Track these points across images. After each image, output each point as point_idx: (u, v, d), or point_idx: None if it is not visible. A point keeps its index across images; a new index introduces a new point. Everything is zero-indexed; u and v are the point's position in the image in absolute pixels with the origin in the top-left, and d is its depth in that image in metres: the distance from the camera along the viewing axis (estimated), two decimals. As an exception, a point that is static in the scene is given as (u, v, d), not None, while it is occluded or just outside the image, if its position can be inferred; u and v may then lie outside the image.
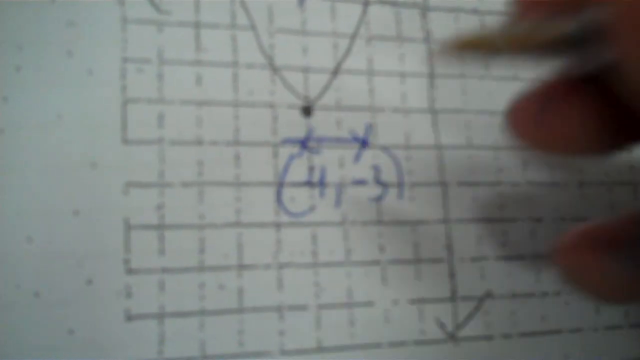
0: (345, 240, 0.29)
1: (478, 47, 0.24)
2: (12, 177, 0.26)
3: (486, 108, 0.32)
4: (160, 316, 0.26)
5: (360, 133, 0.30)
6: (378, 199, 0.30)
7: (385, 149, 0.30)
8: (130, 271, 0.26)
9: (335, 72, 0.31)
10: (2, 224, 0.25)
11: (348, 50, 0.31)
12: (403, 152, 0.31)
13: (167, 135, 0.28)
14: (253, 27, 0.30)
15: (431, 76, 0.32)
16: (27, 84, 0.27)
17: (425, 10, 0.33)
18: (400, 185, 0.30)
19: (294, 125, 0.29)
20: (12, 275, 0.25)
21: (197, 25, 0.29)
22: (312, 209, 0.29)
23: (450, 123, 0.31)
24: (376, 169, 0.30)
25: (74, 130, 0.27)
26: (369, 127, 0.30)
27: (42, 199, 0.26)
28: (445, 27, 0.33)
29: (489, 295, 0.30)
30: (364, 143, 0.30)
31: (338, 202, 0.29)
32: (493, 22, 0.33)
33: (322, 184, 0.29)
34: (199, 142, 0.28)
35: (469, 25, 0.33)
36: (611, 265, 0.23)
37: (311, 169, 0.29)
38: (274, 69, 0.30)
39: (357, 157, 0.30)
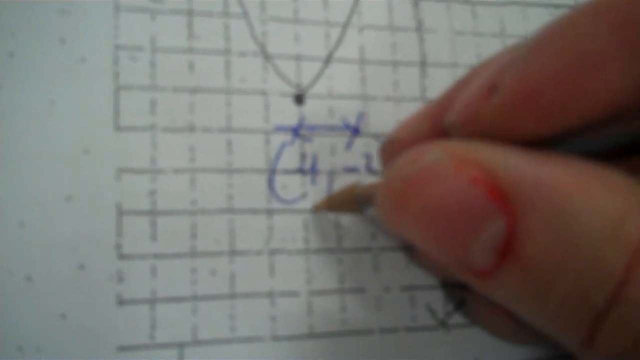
0: (337, 228, 0.29)
1: (342, 205, 0.28)
2: (5, 162, 0.26)
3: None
4: (152, 301, 0.26)
5: (352, 121, 0.30)
6: (370, 187, 0.30)
7: (377, 136, 0.30)
8: (122, 256, 0.26)
9: (328, 60, 0.31)
10: (-6, 208, 0.26)
11: (340, 39, 0.31)
12: (395, 140, 0.31)
13: (159, 122, 0.28)
14: (245, 15, 0.30)
15: (423, 65, 0.32)
16: (20, 71, 0.27)
17: (417, -1, 0.33)
18: (391, 173, 0.30)
19: (286, 113, 0.30)
20: (5, 260, 0.25)
21: (190, 13, 0.29)
22: (303, 196, 0.29)
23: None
24: (368, 156, 0.30)
25: (67, 117, 0.27)
26: (361, 115, 0.30)
27: (34, 184, 0.26)
28: (436, 17, 0.33)
29: (480, 282, 0.30)
30: (355, 131, 0.30)
31: (330, 190, 0.29)
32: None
33: (313, 171, 0.29)
34: (191, 128, 0.28)
35: (461, 14, 0.33)
36: None
37: (303, 156, 0.29)
38: (266, 56, 0.30)
39: (348, 145, 0.30)
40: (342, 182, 0.29)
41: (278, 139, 0.29)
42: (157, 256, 0.27)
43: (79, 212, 0.26)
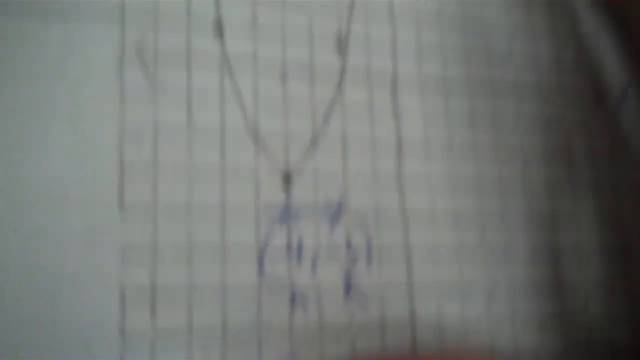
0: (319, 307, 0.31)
1: None
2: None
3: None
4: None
5: (336, 199, 0.32)
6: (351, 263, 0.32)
7: (358, 212, 0.33)
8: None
9: (315, 139, 0.32)
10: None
11: (326, 118, 0.33)
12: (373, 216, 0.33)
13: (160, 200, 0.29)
14: (238, 94, 0.32)
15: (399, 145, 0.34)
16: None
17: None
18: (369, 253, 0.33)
19: (275, 191, 0.31)
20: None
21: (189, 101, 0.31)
22: (290, 271, 0.31)
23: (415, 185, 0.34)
24: (349, 235, 0.32)
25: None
26: (344, 194, 0.32)
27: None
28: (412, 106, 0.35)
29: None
30: (338, 209, 0.32)
31: (314, 269, 0.31)
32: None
33: (299, 249, 0.31)
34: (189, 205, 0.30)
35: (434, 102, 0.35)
36: None
37: (290, 235, 0.31)
38: (257, 137, 0.31)
39: (332, 222, 0.32)
40: (326, 261, 0.32)
41: (267, 217, 0.31)
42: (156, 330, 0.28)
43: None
